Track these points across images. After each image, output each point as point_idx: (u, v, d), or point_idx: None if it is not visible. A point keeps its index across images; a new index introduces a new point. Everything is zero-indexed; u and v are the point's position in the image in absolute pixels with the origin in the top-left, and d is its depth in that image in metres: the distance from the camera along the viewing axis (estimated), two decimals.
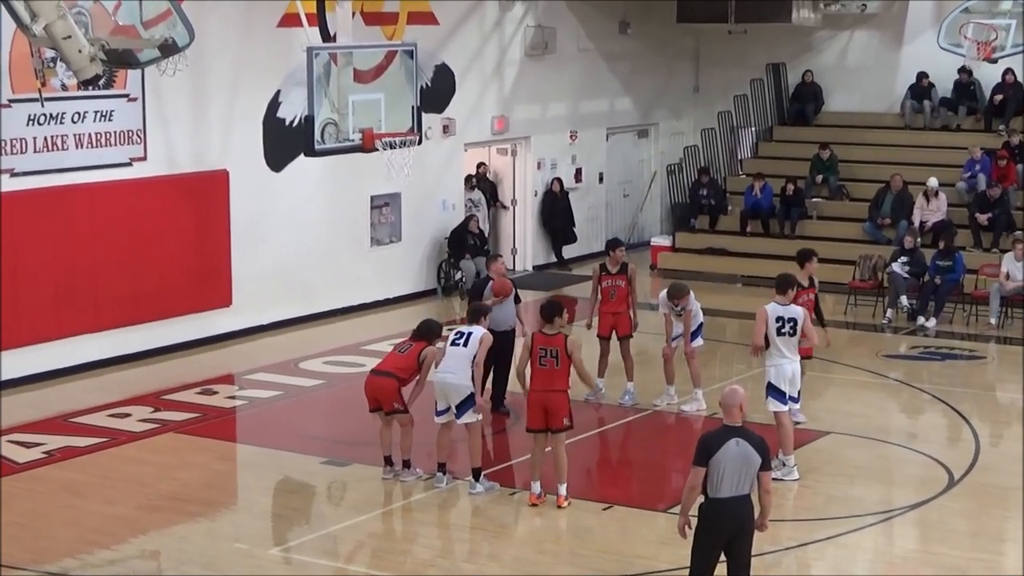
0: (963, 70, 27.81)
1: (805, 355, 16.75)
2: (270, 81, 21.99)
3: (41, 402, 18.32)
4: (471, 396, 14.70)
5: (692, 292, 17.76)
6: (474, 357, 14.61)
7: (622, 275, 18.17)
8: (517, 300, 17.50)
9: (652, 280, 26.25)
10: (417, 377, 15.13)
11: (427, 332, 15.34)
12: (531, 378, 14.36)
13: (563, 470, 14.33)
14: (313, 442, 16.80)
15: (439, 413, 14.90)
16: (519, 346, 15.73)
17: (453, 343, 14.77)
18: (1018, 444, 17.59)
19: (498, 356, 16.42)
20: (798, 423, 16.20)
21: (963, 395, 19.07)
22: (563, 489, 14.35)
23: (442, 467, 15.05)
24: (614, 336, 18.28)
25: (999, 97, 27.66)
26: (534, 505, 14.32)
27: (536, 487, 14.37)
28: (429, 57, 24.25)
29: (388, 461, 15.31)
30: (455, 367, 14.67)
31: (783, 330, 15.24)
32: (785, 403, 15.30)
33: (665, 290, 17.90)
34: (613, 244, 18.65)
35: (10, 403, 18.07)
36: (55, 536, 13.71)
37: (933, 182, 25.69)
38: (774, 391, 15.26)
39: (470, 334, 14.71)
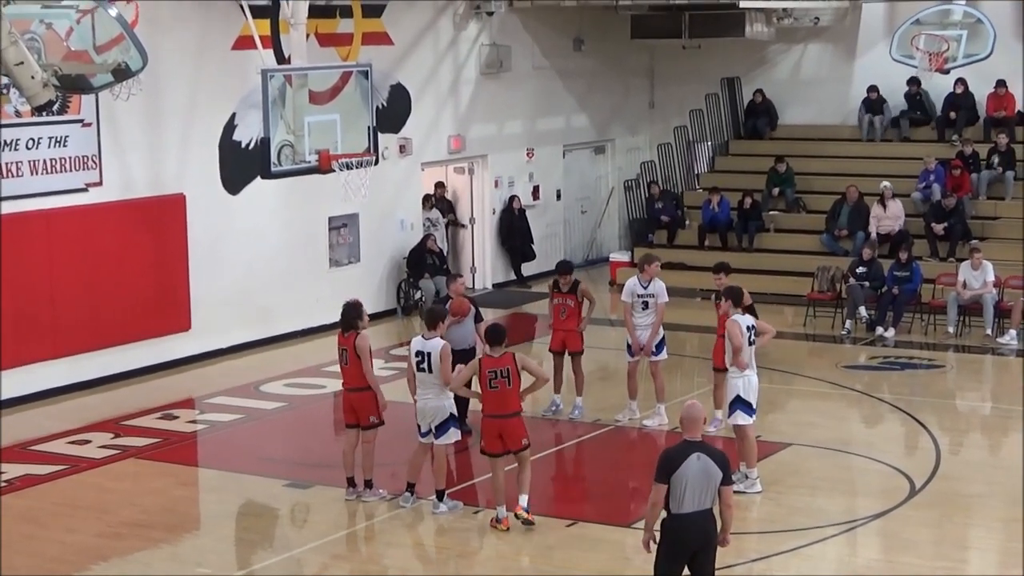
0: (912, 82, 28.02)
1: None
2: (225, 104, 21.95)
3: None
4: (451, 417, 14.68)
5: (662, 282, 17.71)
6: (444, 379, 14.61)
7: (572, 294, 18.20)
8: (479, 319, 17.49)
9: (611, 296, 26.26)
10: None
11: (351, 321, 15.20)
12: (483, 402, 14.32)
13: (526, 483, 14.31)
14: (275, 465, 16.74)
15: (423, 435, 14.83)
16: None
17: (419, 367, 14.70)
18: (978, 451, 17.74)
19: None
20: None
21: (923, 404, 19.17)
22: (524, 500, 14.30)
23: (411, 487, 15.01)
24: (567, 354, 18.33)
25: (953, 114, 27.87)
26: (506, 530, 14.27)
27: (502, 511, 14.31)
28: (384, 77, 24.26)
29: (351, 482, 15.27)
30: (431, 391, 14.64)
31: (751, 340, 15.29)
32: (751, 415, 15.31)
33: (633, 278, 17.88)
34: (561, 269, 18.61)
35: None
36: (14, 566, 13.56)
37: (886, 185, 25.82)
38: (742, 404, 15.21)
39: (429, 355, 14.64)
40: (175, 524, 15.04)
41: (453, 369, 14.89)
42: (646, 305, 17.69)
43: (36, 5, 14.59)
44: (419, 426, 14.85)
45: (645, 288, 17.67)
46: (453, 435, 14.78)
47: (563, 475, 17.07)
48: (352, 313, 15.22)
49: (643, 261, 17.94)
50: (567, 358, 18.30)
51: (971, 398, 20.52)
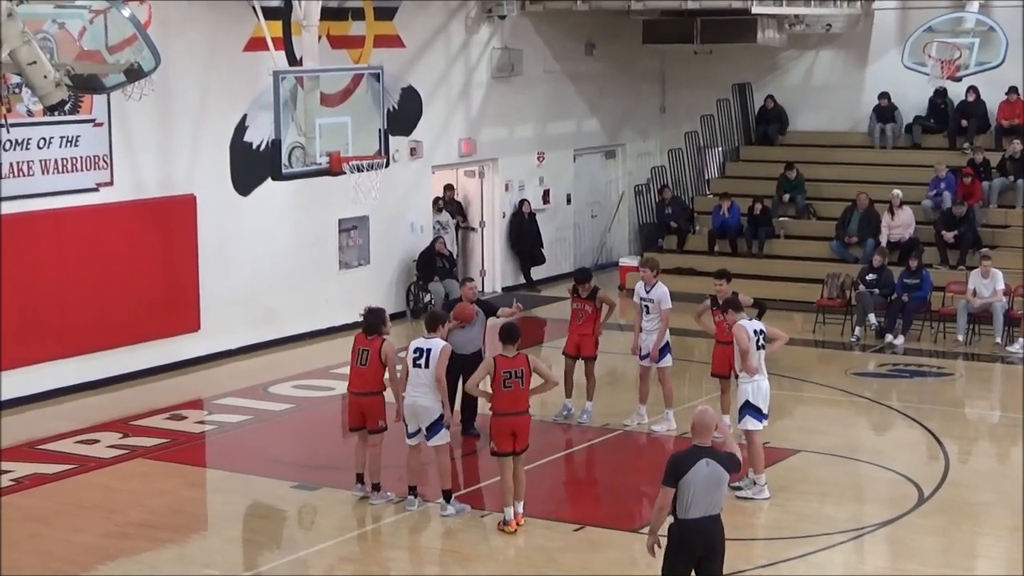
0: (939, 93, 27.98)
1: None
2: (237, 105, 21.96)
3: (8, 429, 18.16)
4: (441, 417, 14.69)
5: (664, 287, 17.71)
6: (437, 374, 14.61)
7: (591, 300, 18.20)
8: (495, 313, 17.56)
9: (620, 300, 26.23)
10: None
11: (376, 325, 15.22)
12: (495, 401, 14.28)
13: (523, 489, 14.37)
14: (283, 466, 16.73)
15: (410, 435, 14.84)
16: None
17: (415, 363, 14.71)
18: (987, 460, 17.72)
19: (464, 379, 16.38)
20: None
21: (932, 412, 19.14)
22: (520, 507, 14.36)
23: (413, 490, 15.01)
24: (580, 358, 18.33)
25: (964, 122, 27.84)
26: (513, 532, 14.26)
27: (510, 513, 14.29)
28: (396, 80, 24.26)
29: (360, 479, 15.28)
30: (422, 389, 14.63)
31: (760, 344, 15.25)
32: (761, 421, 15.27)
33: (640, 282, 17.93)
34: (580, 277, 18.59)
35: None
36: (20, 565, 13.56)
37: (897, 192, 25.80)
38: (752, 409, 15.18)
39: (428, 351, 14.64)
40: (182, 525, 15.05)
41: (450, 379, 14.98)
42: (647, 309, 17.73)
43: (49, 5, 14.59)
44: (407, 426, 14.85)
45: (647, 293, 17.73)
46: (445, 436, 14.78)
47: (571, 479, 17.05)
48: (377, 318, 15.30)
49: (646, 263, 18.03)
50: (580, 363, 18.31)
51: (980, 406, 20.49)
